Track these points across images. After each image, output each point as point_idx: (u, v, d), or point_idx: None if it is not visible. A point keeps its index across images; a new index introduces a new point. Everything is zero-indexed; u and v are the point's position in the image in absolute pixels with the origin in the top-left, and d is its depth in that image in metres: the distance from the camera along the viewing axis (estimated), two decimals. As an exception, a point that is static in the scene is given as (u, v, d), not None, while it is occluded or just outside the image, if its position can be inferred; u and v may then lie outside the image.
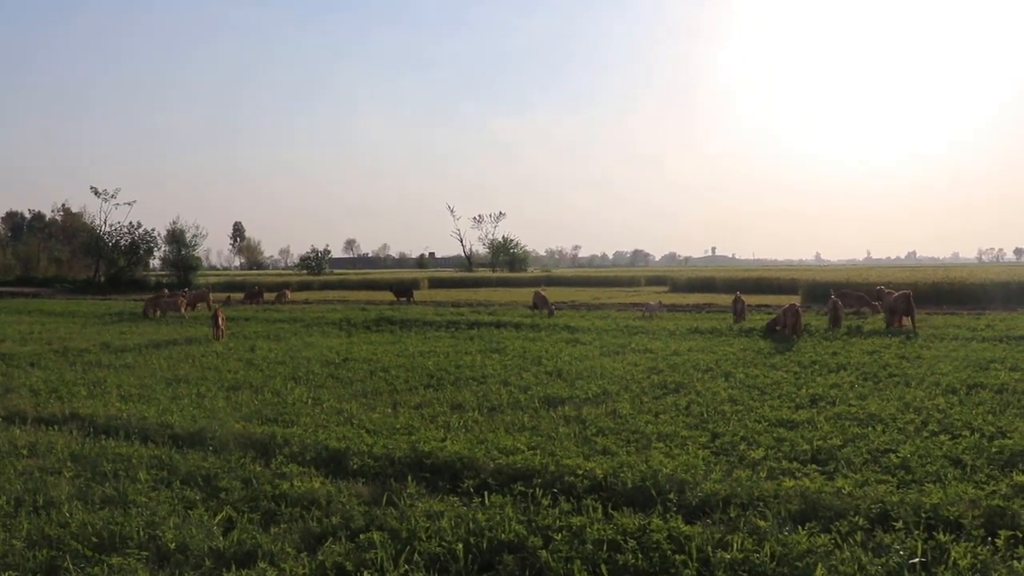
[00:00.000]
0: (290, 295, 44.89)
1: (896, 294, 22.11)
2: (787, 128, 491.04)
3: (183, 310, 30.36)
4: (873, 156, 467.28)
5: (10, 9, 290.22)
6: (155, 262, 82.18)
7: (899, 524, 6.02)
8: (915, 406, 10.52)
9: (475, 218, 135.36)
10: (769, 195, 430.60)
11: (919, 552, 5.54)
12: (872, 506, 6.41)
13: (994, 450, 8.08)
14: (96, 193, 76.88)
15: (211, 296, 36.22)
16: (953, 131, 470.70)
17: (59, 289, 67.55)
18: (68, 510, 6.93)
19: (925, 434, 8.96)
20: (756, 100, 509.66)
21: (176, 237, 76.97)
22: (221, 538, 6.22)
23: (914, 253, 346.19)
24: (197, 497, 7.31)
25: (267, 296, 42.37)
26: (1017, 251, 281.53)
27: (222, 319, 22.48)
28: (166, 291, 34.14)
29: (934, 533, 5.85)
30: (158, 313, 29.71)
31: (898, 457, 7.89)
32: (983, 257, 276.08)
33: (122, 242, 75.43)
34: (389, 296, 45.99)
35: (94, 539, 6.25)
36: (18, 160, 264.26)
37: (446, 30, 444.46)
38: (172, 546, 6.05)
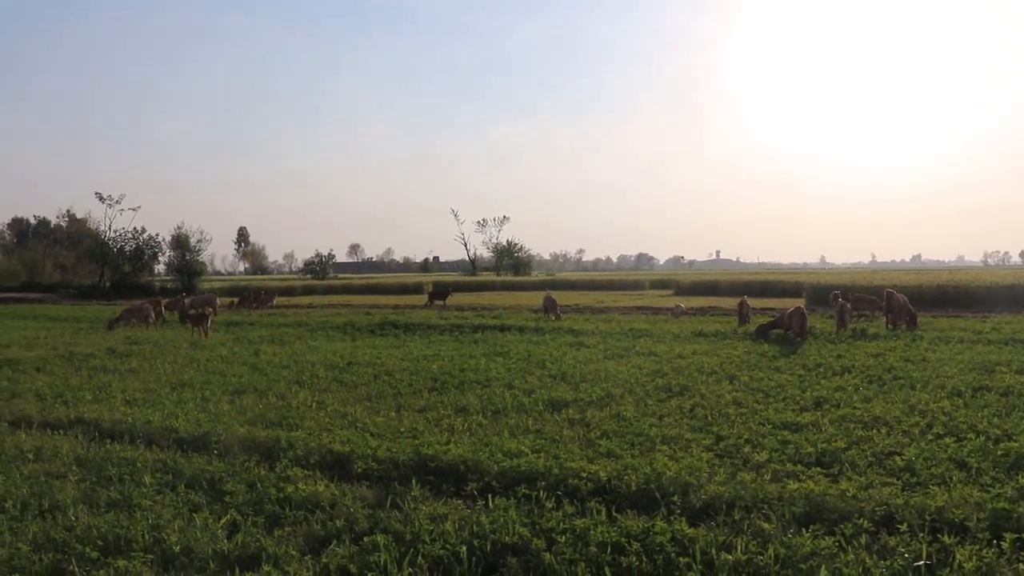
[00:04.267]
0: (276, 300, 43.75)
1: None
2: (791, 131, 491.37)
3: (151, 319, 29.19)
4: (878, 159, 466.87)
5: (13, 16, 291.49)
6: (160, 267, 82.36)
7: (904, 527, 6.02)
8: (920, 409, 10.50)
9: (479, 222, 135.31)
10: (773, 198, 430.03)
11: (924, 555, 5.53)
12: (877, 509, 6.40)
13: (1000, 453, 8.07)
14: (101, 199, 77.30)
15: (217, 301, 36.04)
16: (958, 134, 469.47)
17: (64, 295, 67.68)
18: (74, 514, 6.96)
19: (930, 437, 8.95)
20: (759, 103, 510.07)
21: (180, 242, 77.11)
22: (226, 541, 6.23)
23: (919, 256, 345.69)
24: (202, 501, 7.32)
25: (222, 301, 40.81)
26: (1023, 254, 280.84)
27: (210, 321, 24.76)
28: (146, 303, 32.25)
29: (939, 536, 5.84)
30: (126, 324, 28.45)
31: (903, 460, 7.88)
32: (988, 260, 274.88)
33: (127, 247, 75.61)
34: (393, 300, 46.17)
35: (99, 542, 6.27)
36: (24, 167, 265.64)
37: (446, 36, 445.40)
38: (177, 549, 6.07)
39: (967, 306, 32.41)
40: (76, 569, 5.78)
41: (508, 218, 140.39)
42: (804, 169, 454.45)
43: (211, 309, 32.63)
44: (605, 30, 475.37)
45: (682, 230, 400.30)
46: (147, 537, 6.34)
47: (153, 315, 29.62)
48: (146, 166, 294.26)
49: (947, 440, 8.69)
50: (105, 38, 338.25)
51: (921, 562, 5.44)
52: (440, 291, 42.65)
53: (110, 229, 78.00)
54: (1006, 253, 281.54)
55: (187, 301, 34.80)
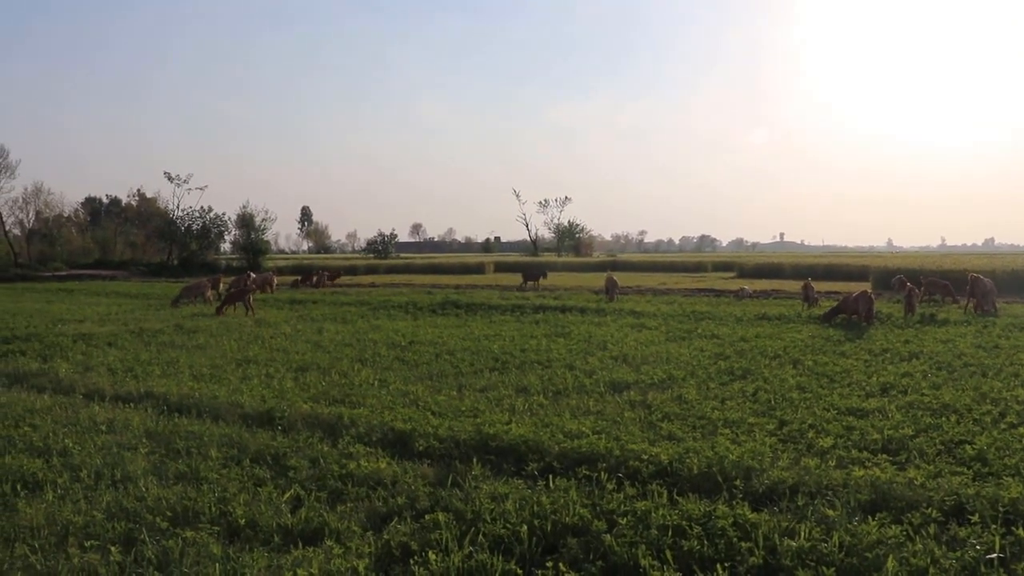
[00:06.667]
0: (327, 277, 43.39)
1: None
2: (857, 111, 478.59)
3: (208, 294, 29.72)
4: (948, 138, 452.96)
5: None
6: (226, 246, 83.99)
7: (975, 517, 5.86)
8: (992, 397, 10.20)
9: (541, 202, 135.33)
10: (839, 180, 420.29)
11: (997, 547, 5.38)
12: (946, 498, 6.25)
13: (1077, 443, 7.80)
14: (169, 178, 78.88)
15: (275, 280, 36.60)
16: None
17: (134, 272, 69.27)
18: (144, 485, 7.15)
19: (1003, 426, 8.69)
20: (824, 82, 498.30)
21: (246, 221, 78.48)
22: (289, 515, 6.35)
23: (992, 240, 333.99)
24: (266, 475, 7.47)
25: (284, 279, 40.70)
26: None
27: (251, 299, 25.40)
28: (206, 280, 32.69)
29: (1013, 528, 5.67)
30: (187, 302, 28.79)
31: (974, 449, 7.67)
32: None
33: (194, 226, 77.16)
34: (455, 280, 46.29)
35: (168, 513, 6.44)
36: (97, 148, 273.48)
37: (507, 15, 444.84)
38: (242, 522, 6.21)
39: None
40: (147, 538, 5.93)
41: (570, 199, 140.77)
42: (872, 149, 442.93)
43: (263, 287, 33.18)
44: (667, 8, 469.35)
45: (746, 212, 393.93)
46: (214, 509, 6.49)
47: (210, 292, 30.08)
48: (212, 146, 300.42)
49: (1021, 430, 8.43)
50: (169, 19, 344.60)
51: (994, 555, 5.29)
52: (532, 272, 40.59)
53: (178, 208, 79.64)
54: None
55: (252, 278, 35.32)
